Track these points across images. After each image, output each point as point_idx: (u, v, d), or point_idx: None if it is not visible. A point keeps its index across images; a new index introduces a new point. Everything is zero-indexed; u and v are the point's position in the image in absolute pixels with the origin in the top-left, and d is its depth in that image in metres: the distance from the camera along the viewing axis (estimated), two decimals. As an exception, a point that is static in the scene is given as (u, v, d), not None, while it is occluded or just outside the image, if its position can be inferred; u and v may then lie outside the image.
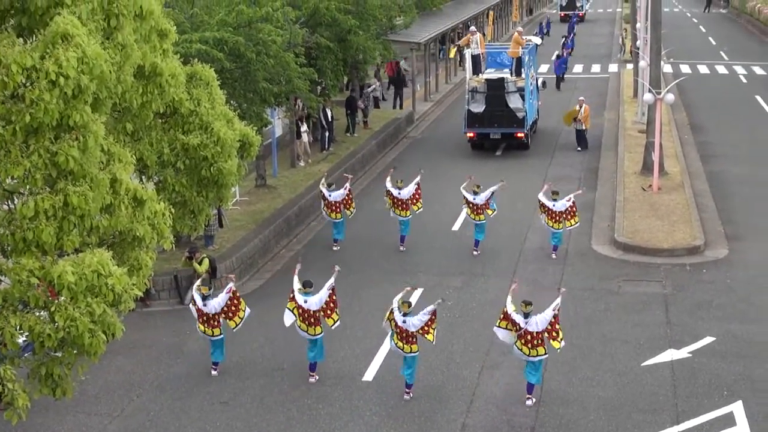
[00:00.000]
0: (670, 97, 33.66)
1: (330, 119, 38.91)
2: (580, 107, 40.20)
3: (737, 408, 18.28)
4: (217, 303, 19.75)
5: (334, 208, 27.90)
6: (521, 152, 40.09)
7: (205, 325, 19.85)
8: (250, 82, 28.29)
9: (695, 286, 24.79)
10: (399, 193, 27.68)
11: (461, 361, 20.57)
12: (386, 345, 20.91)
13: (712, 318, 22.62)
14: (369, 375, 19.97)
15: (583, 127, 40.41)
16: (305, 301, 19.42)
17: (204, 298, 19.88)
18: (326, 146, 38.80)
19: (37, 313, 12.97)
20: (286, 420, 18.16)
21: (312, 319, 19.41)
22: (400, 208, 27.81)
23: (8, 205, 13.19)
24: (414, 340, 18.64)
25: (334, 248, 28.22)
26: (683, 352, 20.75)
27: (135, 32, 15.00)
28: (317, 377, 19.85)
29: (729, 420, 17.89)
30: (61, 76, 12.25)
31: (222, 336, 20.09)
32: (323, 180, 28.78)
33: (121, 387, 19.75)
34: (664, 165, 34.64)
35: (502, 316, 18.69)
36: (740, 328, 22.01)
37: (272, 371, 20.26)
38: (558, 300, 18.53)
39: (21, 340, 13.25)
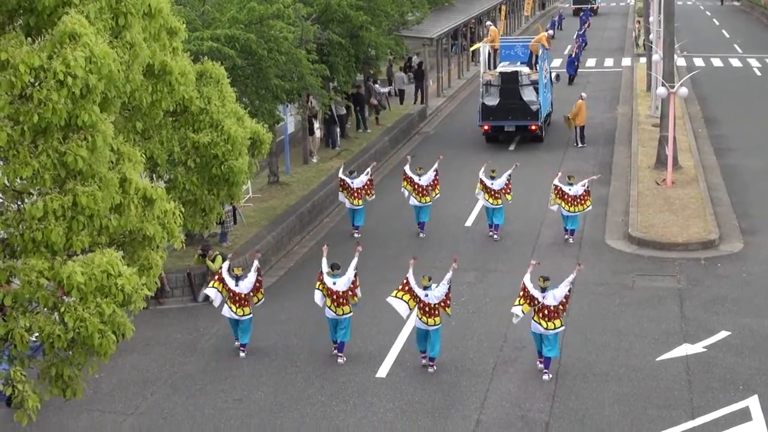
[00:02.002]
0: (684, 90, 33.48)
1: (340, 116, 38.84)
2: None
3: (753, 403, 18.17)
4: (249, 282, 20.56)
5: (356, 194, 28.42)
6: (535, 147, 40.02)
7: (236, 305, 20.44)
8: (262, 79, 28.33)
9: (710, 280, 24.66)
10: (419, 179, 28.33)
11: (475, 356, 20.52)
12: (401, 338, 21.19)
13: (727, 312, 22.50)
14: (383, 371, 19.94)
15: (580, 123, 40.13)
16: (334, 283, 20.17)
17: (237, 279, 20.51)
18: (336, 143, 38.71)
19: (47, 313, 12.95)
20: (300, 417, 18.14)
21: (341, 300, 20.13)
22: (420, 194, 28.37)
23: (17, 205, 13.16)
24: (437, 312, 19.43)
25: (356, 235, 28.66)
26: (698, 347, 20.65)
27: (144, 31, 14.94)
28: (340, 361, 20.38)
29: (745, 415, 17.79)
30: (69, 76, 12.21)
31: (251, 316, 20.74)
32: (342, 168, 29.22)
33: (136, 384, 19.76)
34: (678, 159, 34.49)
35: (521, 293, 19.29)
36: (756, 322, 21.88)
37: (286, 368, 20.25)
38: (573, 275, 19.26)
39: (32, 339, 13.22)
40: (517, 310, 19.40)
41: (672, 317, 22.29)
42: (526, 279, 19.41)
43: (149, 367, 20.57)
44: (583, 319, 22.19)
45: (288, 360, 20.64)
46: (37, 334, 12.97)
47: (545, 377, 19.36)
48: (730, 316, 22.24)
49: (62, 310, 12.60)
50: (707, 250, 26.86)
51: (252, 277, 20.65)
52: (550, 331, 19.13)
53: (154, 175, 18.71)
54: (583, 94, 41.52)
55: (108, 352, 13.00)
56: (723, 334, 21.25)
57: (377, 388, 19.23)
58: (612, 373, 19.61)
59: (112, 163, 13.81)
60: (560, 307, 19.12)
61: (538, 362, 19.68)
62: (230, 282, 20.53)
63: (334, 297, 20.13)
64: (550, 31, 46.24)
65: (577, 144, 39.84)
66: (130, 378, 20.06)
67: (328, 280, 20.19)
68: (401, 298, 19.63)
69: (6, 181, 12.75)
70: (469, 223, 29.93)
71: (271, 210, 29.98)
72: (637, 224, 28.64)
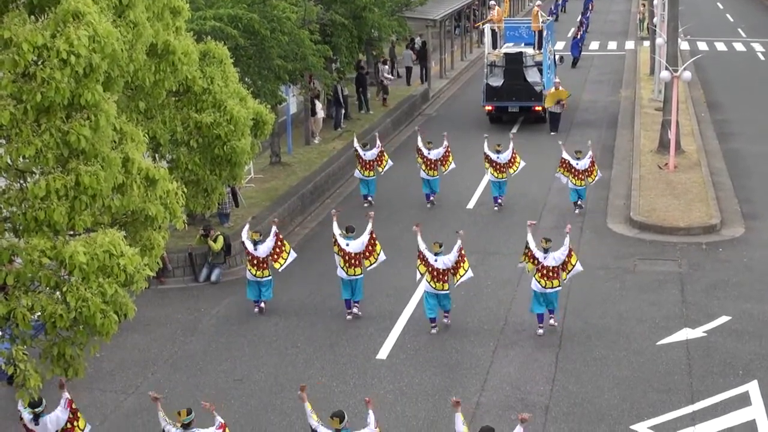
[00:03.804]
0: (687, 74, 33.38)
1: (344, 97, 38.80)
2: (556, 89, 39.78)
3: (752, 387, 18.22)
4: (267, 247, 21.69)
5: (368, 166, 29.46)
6: (537, 130, 39.92)
7: (255, 268, 21.67)
8: (264, 60, 28.27)
9: (711, 265, 24.67)
10: (429, 153, 29.31)
11: (475, 339, 20.55)
12: (402, 320, 21.42)
13: (728, 297, 22.52)
14: (383, 353, 19.98)
15: (559, 110, 39.83)
16: (347, 245, 21.30)
17: (255, 243, 21.66)
18: (339, 124, 38.68)
19: (49, 293, 12.92)
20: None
21: (353, 261, 21.26)
22: (429, 168, 29.40)
23: (20, 184, 13.12)
24: (446, 278, 20.39)
25: (365, 204, 29.43)
26: (698, 332, 20.68)
27: (147, 10, 14.90)
28: (355, 311, 21.68)
29: (744, 399, 17.85)
30: (72, 55, 12.14)
31: (270, 277, 21.87)
32: (355, 140, 30.10)
33: (136, 364, 19.82)
34: (680, 143, 34.44)
35: (525, 251, 20.60)
36: (756, 307, 21.91)
37: (286, 349, 20.29)
38: (567, 238, 20.61)
39: (34, 318, 13.20)
40: (522, 266, 21.01)
41: (673, 301, 22.31)
42: (529, 238, 20.64)
43: (150, 347, 20.62)
44: (584, 303, 22.21)
45: (289, 341, 20.68)
46: (39, 313, 12.94)
47: (552, 321, 20.78)
48: (731, 301, 22.26)
49: (64, 289, 12.58)
50: (709, 235, 26.86)
51: (270, 242, 21.66)
52: (549, 290, 20.35)
53: (156, 155, 18.68)
54: (557, 80, 41.16)
55: (110, 331, 12.97)
56: (723, 318, 21.28)
57: (377, 370, 19.27)
58: (612, 356, 19.65)
59: (115, 142, 13.75)
60: (567, 260, 20.40)
61: (538, 328, 20.62)
62: (249, 246, 21.64)
63: (347, 258, 21.17)
64: (539, 2, 45.89)
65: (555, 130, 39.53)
66: (132, 357, 20.11)
67: (342, 241, 21.23)
68: (417, 268, 20.79)
69: (9, 160, 12.69)
70: (470, 205, 29.93)
71: (273, 191, 29.97)
72: (639, 208, 28.64)
